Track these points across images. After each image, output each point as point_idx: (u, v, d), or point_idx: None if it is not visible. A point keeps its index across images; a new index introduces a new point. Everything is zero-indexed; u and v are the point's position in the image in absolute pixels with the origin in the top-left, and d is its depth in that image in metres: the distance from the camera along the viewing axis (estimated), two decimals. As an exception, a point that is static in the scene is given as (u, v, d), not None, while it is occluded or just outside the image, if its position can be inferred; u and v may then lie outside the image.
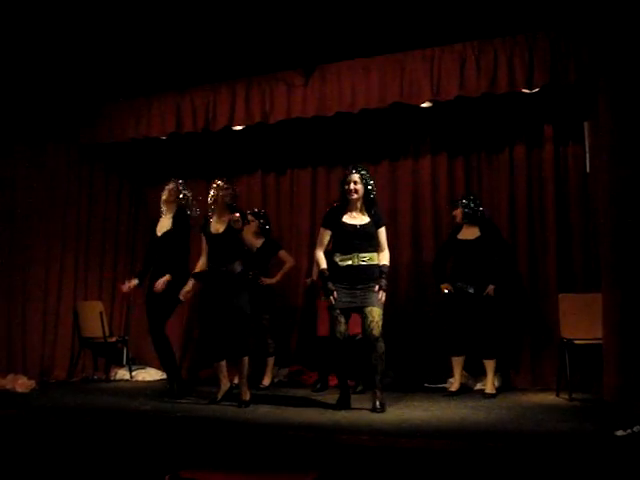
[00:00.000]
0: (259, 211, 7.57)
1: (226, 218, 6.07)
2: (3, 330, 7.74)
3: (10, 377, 7.27)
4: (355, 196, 5.71)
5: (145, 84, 7.80)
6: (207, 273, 6.15)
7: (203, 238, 6.26)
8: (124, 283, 6.88)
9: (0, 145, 7.82)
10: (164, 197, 6.75)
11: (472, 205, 6.73)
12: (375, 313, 5.56)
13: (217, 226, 6.15)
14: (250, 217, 7.01)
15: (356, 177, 5.73)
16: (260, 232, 7.35)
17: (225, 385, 6.20)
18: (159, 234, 6.69)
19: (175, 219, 6.66)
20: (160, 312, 6.53)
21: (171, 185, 6.78)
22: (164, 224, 6.71)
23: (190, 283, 6.33)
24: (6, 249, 7.82)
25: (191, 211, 6.76)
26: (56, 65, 7.50)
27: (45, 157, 8.19)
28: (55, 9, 6.57)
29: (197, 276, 6.27)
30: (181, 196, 6.73)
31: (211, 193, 6.20)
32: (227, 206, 6.10)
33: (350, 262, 5.64)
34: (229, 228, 6.02)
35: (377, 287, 5.60)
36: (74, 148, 8.36)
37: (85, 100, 8.15)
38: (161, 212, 6.80)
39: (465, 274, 6.59)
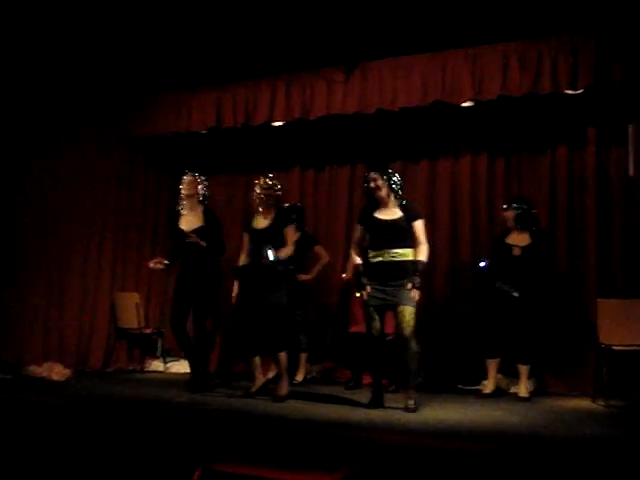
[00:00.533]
0: (295, 205, 7.54)
1: (271, 214, 6.10)
2: (40, 319, 7.84)
3: (46, 365, 7.38)
4: (379, 193, 5.69)
5: (186, 79, 7.85)
6: (247, 267, 6.15)
7: (246, 235, 6.27)
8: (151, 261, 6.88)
9: (40, 137, 7.91)
10: (184, 191, 6.65)
11: (526, 209, 6.58)
12: (406, 312, 5.50)
13: (260, 222, 6.17)
14: None
15: (373, 175, 5.72)
16: (297, 227, 7.33)
17: (260, 380, 6.21)
18: (185, 229, 6.60)
19: (206, 215, 6.64)
20: (201, 305, 6.56)
21: (189, 177, 6.69)
22: (190, 219, 6.64)
23: (236, 286, 6.30)
24: (46, 240, 7.91)
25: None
26: (100, 59, 7.57)
27: (85, 150, 8.26)
28: (95, 4, 6.65)
29: (237, 271, 6.27)
30: (200, 187, 6.68)
31: (256, 191, 6.21)
32: (272, 204, 6.13)
33: (381, 258, 5.61)
34: (274, 224, 6.06)
35: (410, 285, 5.53)
36: (114, 141, 8.43)
37: (126, 94, 8.22)
38: (180, 207, 6.74)
39: (511, 279, 6.46)
